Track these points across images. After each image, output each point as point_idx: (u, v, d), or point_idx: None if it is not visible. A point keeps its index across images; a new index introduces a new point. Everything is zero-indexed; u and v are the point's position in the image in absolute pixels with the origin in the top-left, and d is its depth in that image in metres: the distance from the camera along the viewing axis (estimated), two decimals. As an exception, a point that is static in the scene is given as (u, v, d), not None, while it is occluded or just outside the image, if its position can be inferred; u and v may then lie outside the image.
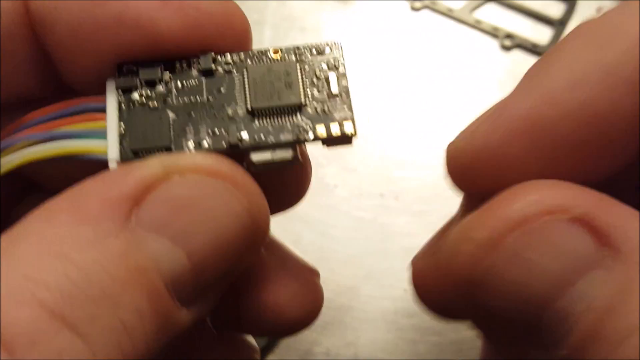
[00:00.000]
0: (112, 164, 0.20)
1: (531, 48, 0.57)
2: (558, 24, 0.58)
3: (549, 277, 0.17)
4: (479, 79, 0.57)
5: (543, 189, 0.18)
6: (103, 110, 0.21)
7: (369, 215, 0.50)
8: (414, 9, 0.60)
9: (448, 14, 0.59)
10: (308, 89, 0.21)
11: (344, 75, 0.22)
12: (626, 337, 0.15)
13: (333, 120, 0.21)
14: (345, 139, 0.21)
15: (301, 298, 0.23)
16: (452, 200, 0.54)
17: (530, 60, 0.57)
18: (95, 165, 0.20)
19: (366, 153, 0.54)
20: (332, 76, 0.21)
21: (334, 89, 0.21)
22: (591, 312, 0.16)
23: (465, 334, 0.46)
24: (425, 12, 0.60)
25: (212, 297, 0.20)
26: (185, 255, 0.18)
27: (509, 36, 0.58)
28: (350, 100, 0.21)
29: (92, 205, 0.17)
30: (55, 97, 0.22)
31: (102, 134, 0.20)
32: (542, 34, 0.58)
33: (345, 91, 0.21)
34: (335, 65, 0.22)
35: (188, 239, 0.18)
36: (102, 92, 0.21)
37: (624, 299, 0.15)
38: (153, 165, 0.18)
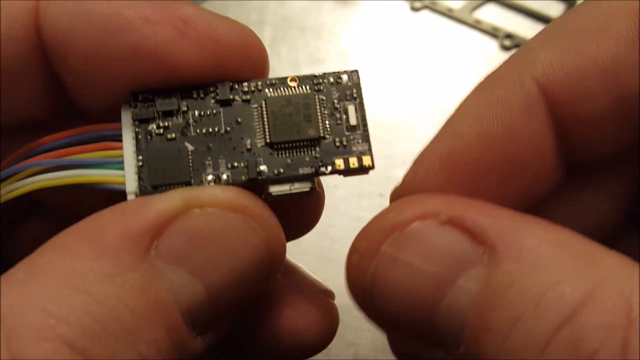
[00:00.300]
0: (131, 197, 0.20)
1: (531, 48, 0.57)
2: (558, 24, 0.58)
3: (429, 278, 0.17)
4: (479, 78, 0.56)
5: (418, 199, 0.19)
6: (118, 138, 0.21)
7: (369, 215, 0.50)
8: (414, 9, 0.60)
9: (448, 14, 0.59)
10: (327, 121, 0.21)
11: (362, 105, 0.22)
12: (513, 325, 0.16)
13: (352, 154, 0.21)
14: (362, 170, 0.21)
15: (319, 322, 0.24)
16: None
17: (530, 60, 0.57)
18: (110, 194, 0.20)
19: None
20: (351, 109, 0.21)
21: (353, 121, 0.21)
22: (476, 307, 0.17)
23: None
24: (425, 12, 0.60)
25: (225, 324, 0.20)
26: (203, 287, 0.18)
27: (509, 36, 0.58)
28: (367, 132, 0.21)
29: (112, 237, 0.17)
30: (65, 120, 0.22)
31: (118, 164, 0.20)
32: (542, 34, 0.58)
33: (363, 122, 0.21)
34: (353, 96, 0.22)
35: (206, 271, 0.18)
36: (114, 117, 0.21)
37: (504, 292, 0.16)
38: (173, 198, 0.19)
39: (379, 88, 0.56)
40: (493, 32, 0.58)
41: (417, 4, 0.60)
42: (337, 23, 0.59)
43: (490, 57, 0.57)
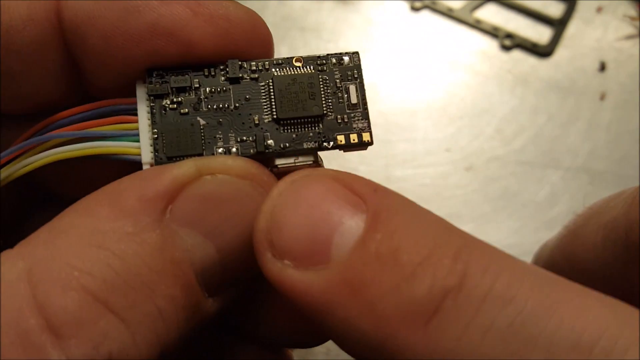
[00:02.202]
0: (146, 167, 0.21)
1: (531, 48, 0.57)
2: (558, 24, 0.58)
3: (322, 216, 0.18)
4: (479, 78, 0.57)
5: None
6: (133, 112, 0.22)
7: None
8: (414, 9, 0.60)
9: (448, 14, 0.59)
10: (329, 99, 0.22)
11: (362, 85, 0.23)
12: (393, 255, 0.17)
13: (352, 130, 0.22)
14: (362, 145, 0.23)
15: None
16: (452, 200, 0.54)
17: (530, 59, 0.57)
18: (126, 166, 0.21)
19: (366, 153, 0.53)
20: (352, 88, 0.23)
21: (354, 99, 0.23)
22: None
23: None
24: (425, 12, 0.60)
25: (234, 289, 0.21)
26: (215, 249, 0.19)
27: (509, 36, 0.58)
28: (367, 110, 0.23)
29: (131, 200, 0.19)
30: (76, 106, 0.23)
31: (133, 136, 0.21)
32: (541, 34, 0.58)
33: (363, 101, 0.23)
34: (354, 76, 0.23)
35: (218, 234, 0.19)
36: (128, 94, 0.22)
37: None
38: (187, 165, 0.20)
39: (379, 88, 0.56)
40: (493, 32, 0.58)
41: (417, 4, 0.60)
42: (337, 23, 0.59)
43: (490, 57, 0.58)
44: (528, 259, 0.49)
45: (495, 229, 0.50)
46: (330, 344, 0.27)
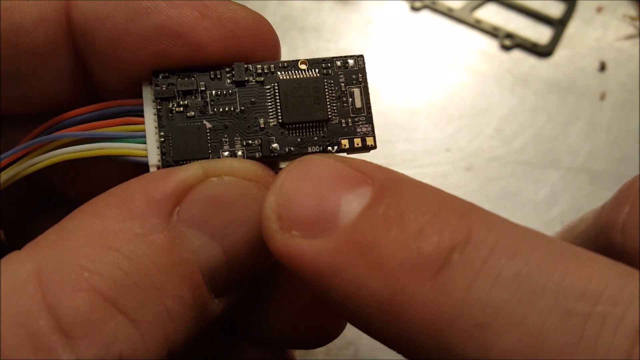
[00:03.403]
0: (153, 169, 0.21)
1: (531, 47, 0.57)
2: (558, 24, 0.58)
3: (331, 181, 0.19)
4: (479, 78, 0.57)
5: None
6: (139, 113, 0.22)
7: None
8: (414, 9, 0.60)
9: (448, 14, 0.59)
10: (334, 103, 0.23)
11: (367, 89, 0.23)
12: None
13: (356, 134, 0.23)
14: (365, 149, 0.23)
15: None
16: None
17: (530, 59, 0.57)
18: (130, 167, 0.21)
19: (366, 153, 0.53)
20: (357, 92, 0.23)
21: (358, 104, 0.23)
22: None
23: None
24: (425, 12, 0.60)
25: (240, 290, 0.21)
26: (222, 250, 0.20)
27: (509, 36, 0.58)
28: (371, 114, 0.23)
29: (138, 202, 0.19)
30: (83, 107, 0.23)
31: (140, 137, 0.22)
32: (542, 34, 0.58)
33: (367, 105, 0.23)
34: (359, 80, 0.23)
35: (224, 235, 0.20)
36: (135, 95, 0.22)
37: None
38: (194, 168, 0.20)
39: (379, 88, 0.56)
40: (493, 32, 0.58)
41: (417, 4, 0.60)
42: (337, 23, 0.59)
43: (490, 57, 0.58)
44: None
45: (495, 229, 0.49)
46: (330, 343, 0.27)
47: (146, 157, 0.21)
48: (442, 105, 0.55)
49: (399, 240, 0.17)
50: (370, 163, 0.19)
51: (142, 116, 0.22)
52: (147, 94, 0.22)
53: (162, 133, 0.21)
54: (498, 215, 0.18)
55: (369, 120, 0.23)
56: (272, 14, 0.59)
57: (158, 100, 0.22)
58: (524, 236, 0.17)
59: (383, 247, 0.17)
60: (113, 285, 0.17)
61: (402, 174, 0.19)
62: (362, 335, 0.46)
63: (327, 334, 0.25)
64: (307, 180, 0.19)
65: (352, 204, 0.18)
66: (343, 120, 0.23)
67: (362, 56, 0.23)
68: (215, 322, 0.20)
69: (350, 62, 0.23)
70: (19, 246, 0.18)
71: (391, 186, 0.18)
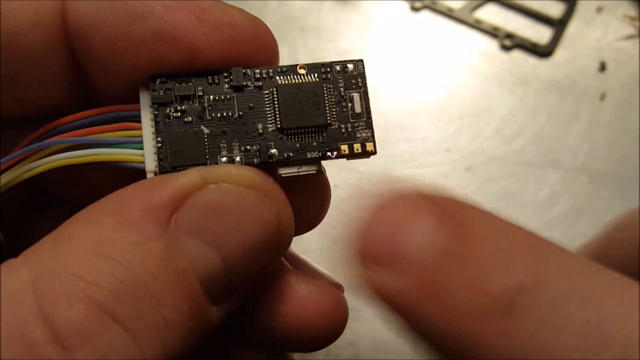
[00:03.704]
0: (150, 175, 0.21)
1: (531, 48, 0.57)
2: (558, 24, 0.58)
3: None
4: (479, 78, 0.57)
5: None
6: (135, 118, 0.22)
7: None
8: (414, 9, 0.60)
9: (448, 14, 0.59)
10: (333, 108, 0.22)
11: (366, 94, 0.23)
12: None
13: (356, 140, 0.22)
14: (365, 155, 0.23)
15: (331, 314, 0.24)
16: (452, 200, 0.54)
17: (530, 59, 0.57)
18: (129, 174, 0.21)
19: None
20: (356, 97, 0.23)
21: (358, 109, 0.23)
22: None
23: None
24: (425, 12, 0.60)
25: (238, 297, 0.21)
26: (219, 258, 0.19)
27: (509, 36, 0.58)
28: (371, 119, 0.23)
29: (135, 210, 0.18)
30: (81, 111, 0.22)
31: (137, 143, 0.21)
32: (542, 34, 0.58)
33: (367, 110, 0.23)
34: (359, 85, 0.23)
35: (222, 243, 0.19)
36: (132, 99, 0.22)
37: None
38: (191, 174, 0.20)
39: (379, 88, 0.56)
40: (493, 32, 0.58)
41: (417, 4, 0.60)
42: (337, 23, 0.59)
43: (490, 57, 0.58)
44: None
45: (495, 229, 0.50)
46: (331, 345, 0.27)
47: (143, 162, 0.21)
48: (442, 105, 0.55)
49: (468, 281, 0.17)
50: (447, 196, 0.19)
51: (139, 121, 0.21)
52: (145, 99, 0.22)
53: (159, 138, 0.21)
54: (569, 252, 0.17)
55: (369, 125, 0.22)
56: (272, 14, 0.59)
57: (155, 106, 0.21)
58: (597, 276, 0.17)
59: (452, 288, 0.17)
60: (109, 295, 0.17)
61: (475, 207, 0.19)
62: (362, 335, 0.46)
63: (324, 339, 0.25)
64: (385, 215, 0.19)
65: (426, 242, 0.18)
66: (342, 126, 0.22)
67: (361, 61, 0.23)
68: (214, 329, 0.20)
69: (350, 66, 0.23)
70: (17, 247, 0.18)
71: (463, 223, 0.18)
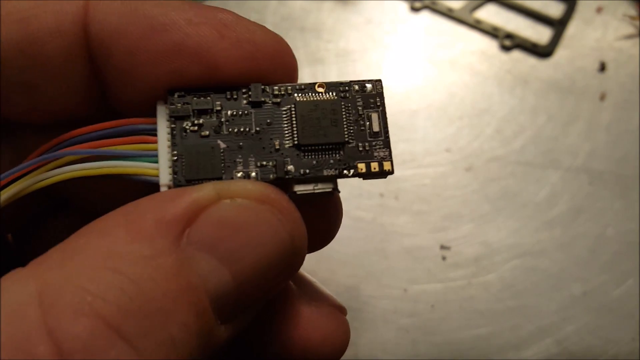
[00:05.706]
0: (164, 189, 0.21)
1: (531, 48, 0.57)
2: (558, 24, 0.58)
3: None
4: (479, 79, 0.57)
5: None
6: (152, 132, 0.21)
7: (369, 215, 0.50)
8: (414, 9, 0.60)
9: (448, 14, 0.59)
10: (351, 126, 0.22)
11: (385, 113, 0.23)
12: None
13: (373, 159, 0.22)
14: (382, 175, 0.22)
15: (334, 337, 0.24)
16: (451, 200, 0.54)
17: (530, 60, 0.57)
18: (143, 186, 0.21)
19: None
20: (375, 116, 0.23)
21: (375, 128, 0.22)
22: None
23: (465, 334, 0.46)
24: (425, 12, 0.60)
25: (247, 316, 0.21)
26: (231, 275, 0.19)
27: (509, 36, 0.58)
28: (389, 139, 0.22)
29: (147, 223, 0.18)
30: (99, 121, 0.22)
31: (152, 157, 0.21)
32: (541, 34, 0.58)
33: (385, 129, 0.22)
34: (377, 104, 0.23)
35: (234, 260, 0.19)
36: (147, 114, 0.22)
37: None
38: (206, 188, 0.19)
39: (379, 88, 0.56)
40: (493, 32, 0.58)
41: (417, 4, 0.60)
42: (337, 23, 0.59)
43: (490, 57, 0.58)
44: (528, 259, 0.49)
45: (495, 229, 0.50)
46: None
47: (157, 176, 0.21)
48: (442, 106, 0.55)
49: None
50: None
51: (156, 135, 0.21)
52: (162, 113, 0.22)
53: (175, 152, 0.21)
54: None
55: (387, 144, 0.22)
56: (272, 14, 0.59)
57: (172, 119, 0.21)
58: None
59: None
60: (116, 310, 0.16)
61: None
62: (362, 335, 0.46)
63: (333, 351, 0.24)
64: None
65: None
66: (360, 144, 0.22)
67: (379, 80, 0.23)
68: (221, 348, 0.20)
69: (368, 86, 0.23)
70: (26, 251, 0.18)
71: None
